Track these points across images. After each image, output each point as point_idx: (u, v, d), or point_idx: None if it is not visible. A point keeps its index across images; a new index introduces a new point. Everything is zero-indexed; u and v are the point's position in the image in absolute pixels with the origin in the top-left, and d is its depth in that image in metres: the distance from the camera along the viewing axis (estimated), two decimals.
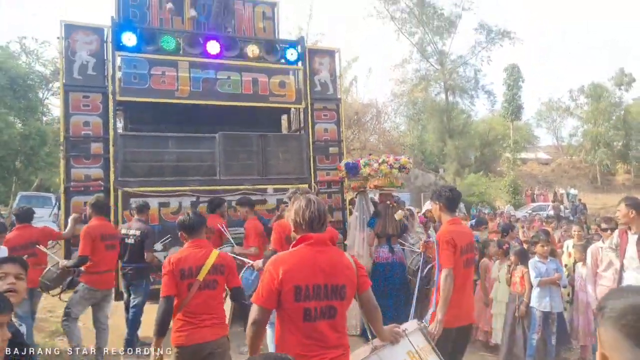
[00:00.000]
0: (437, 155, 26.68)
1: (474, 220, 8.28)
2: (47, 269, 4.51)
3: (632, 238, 3.96)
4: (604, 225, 4.89)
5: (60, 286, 4.62)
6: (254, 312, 2.14)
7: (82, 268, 4.62)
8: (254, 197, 6.28)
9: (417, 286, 4.91)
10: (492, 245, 5.85)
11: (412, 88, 24.83)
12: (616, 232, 4.21)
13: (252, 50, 6.63)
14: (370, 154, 6.37)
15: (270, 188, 6.45)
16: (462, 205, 22.16)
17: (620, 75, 35.50)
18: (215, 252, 3.23)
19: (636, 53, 68.66)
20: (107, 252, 4.71)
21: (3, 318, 1.64)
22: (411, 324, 2.59)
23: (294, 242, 2.25)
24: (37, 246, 4.72)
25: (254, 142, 6.55)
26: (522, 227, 11.22)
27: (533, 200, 26.10)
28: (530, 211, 20.13)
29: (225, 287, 3.27)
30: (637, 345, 0.91)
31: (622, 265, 4.06)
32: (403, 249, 5.68)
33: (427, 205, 6.29)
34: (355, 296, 2.28)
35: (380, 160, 5.89)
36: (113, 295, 5.21)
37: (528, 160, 39.16)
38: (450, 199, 3.43)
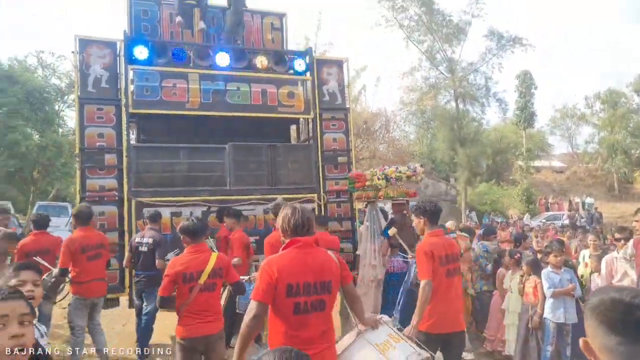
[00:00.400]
0: (448, 164, 26.44)
1: (482, 230, 8.17)
2: (42, 278, 4.54)
3: None
4: (617, 235, 4.81)
5: (57, 294, 4.71)
6: (253, 307, 2.34)
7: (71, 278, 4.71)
8: (263, 207, 6.31)
9: (401, 292, 5.10)
10: (506, 255, 5.78)
11: (422, 96, 24.68)
12: (631, 242, 4.14)
13: (261, 61, 6.70)
14: (387, 166, 6.36)
15: (279, 198, 6.46)
16: (473, 214, 21.97)
17: (638, 81, 35.05)
18: (214, 256, 3.57)
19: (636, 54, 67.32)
20: (90, 263, 4.72)
21: (30, 317, 1.66)
22: (385, 316, 2.84)
23: (283, 246, 2.51)
24: (35, 257, 4.62)
25: (264, 153, 6.60)
26: (536, 236, 11.06)
27: (547, 209, 25.75)
28: (544, 220, 19.86)
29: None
30: (609, 332, 1.08)
31: (639, 276, 3.99)
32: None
33: None
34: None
35: (372, 171, 5.96)
36: (102, 302, 5.16)
37: (542, 169, 38.62)
38: (433, 214, 3.65)
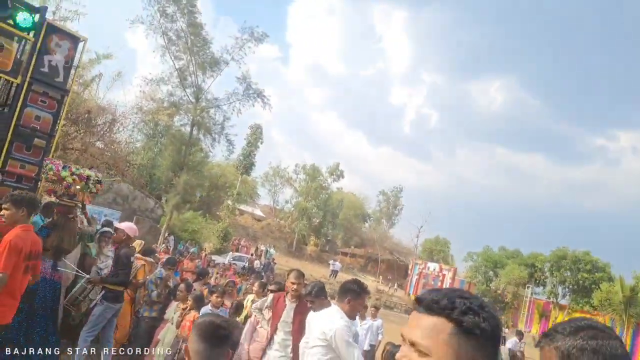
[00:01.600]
0: (165, 183, 26.12)
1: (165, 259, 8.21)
2: None
3: (290, 305, 4.33)
4: (271, 287, 5.63)
5: None
6: None
7: None
8: None
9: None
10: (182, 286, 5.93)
11: (160, 109, 24.13)
12: (271, 295, 4.71)
13: None
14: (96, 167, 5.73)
15: None
16: (171, 237, 22.04)
17: (334, 168, 44.38)
18: None
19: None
20: None
21: None
22: None
23: None
24: None
25: None
26: (217, 273, 11.94)
27: (237, 250, 28.21)
28: (231, 259, 21.62)
29: None
30: (200, 340, 1.71)
31: (275, 327, 4.51)
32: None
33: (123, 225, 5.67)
34: None
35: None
36: None
37: (245, 213, 42.72)
38: (34, 206, 3.65)
